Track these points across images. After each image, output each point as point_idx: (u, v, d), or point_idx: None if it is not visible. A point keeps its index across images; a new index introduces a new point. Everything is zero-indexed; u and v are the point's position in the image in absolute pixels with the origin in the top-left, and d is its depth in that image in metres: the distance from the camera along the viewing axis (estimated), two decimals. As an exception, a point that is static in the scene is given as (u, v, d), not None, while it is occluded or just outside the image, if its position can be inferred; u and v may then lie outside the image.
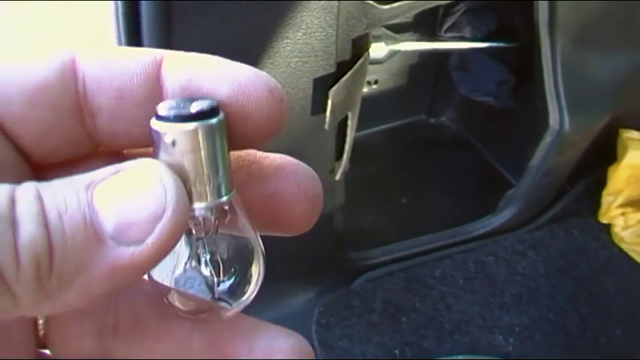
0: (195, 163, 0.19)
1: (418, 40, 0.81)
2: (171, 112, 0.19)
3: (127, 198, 0.18)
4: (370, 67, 0.83)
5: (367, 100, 0.93)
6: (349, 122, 0.58)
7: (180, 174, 0.19)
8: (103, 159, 0.22)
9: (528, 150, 0.81)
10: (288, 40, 0.49)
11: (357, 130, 0.87)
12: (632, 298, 0.82)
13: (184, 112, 0.19)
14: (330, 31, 0.49)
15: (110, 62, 0.21)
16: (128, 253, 0.18)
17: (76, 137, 0.21)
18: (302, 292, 0.82)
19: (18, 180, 0.18)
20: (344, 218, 0.77)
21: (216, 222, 0.21)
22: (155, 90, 0.21)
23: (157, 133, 0.19)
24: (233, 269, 0.22)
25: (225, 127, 0.20)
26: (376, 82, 0.92)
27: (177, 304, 0.21)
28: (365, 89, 0.90)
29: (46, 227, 0.17)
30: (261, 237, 0.24)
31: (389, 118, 1.01)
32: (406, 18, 0.82)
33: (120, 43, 0.50)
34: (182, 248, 0.21)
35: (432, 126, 1.04)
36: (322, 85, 0.52)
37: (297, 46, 0.49)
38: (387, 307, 0.80)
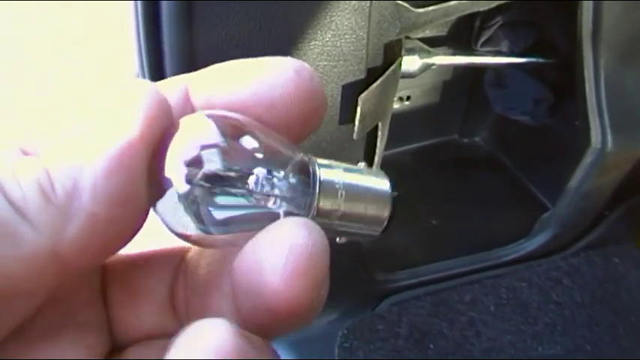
0: None
1: (453, 55, 0.78)
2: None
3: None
4: (402, 83, 0.81)
5: (398, 118, 0.90)
6: (379, 133, 0.55)
7: None
8: None
9: (566, 171, 0.77)
10: (317, 42, 0.46)
11: (386, 148, 0.84)
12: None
13: None
14: (361, 33, 0.47)
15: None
16: (120, 138, 0.18)
17: None
18: (325, 313, 0.79)
19: None
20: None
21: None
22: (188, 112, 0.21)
23: None
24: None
25: None
26: (408, 98, 0.89)
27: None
28: (396, 105, 0.88)
29: None
30: None
31: (420, 136, 0.98)
32: (440, 31, 0.79)
33: (139, 45, 0.48)
34: None
35: (465, 146, 1.00)
36: (351, 92, 0.49)
37: (325, 49, 0.47)
38: (413, 333, 0.76)
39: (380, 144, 0.56)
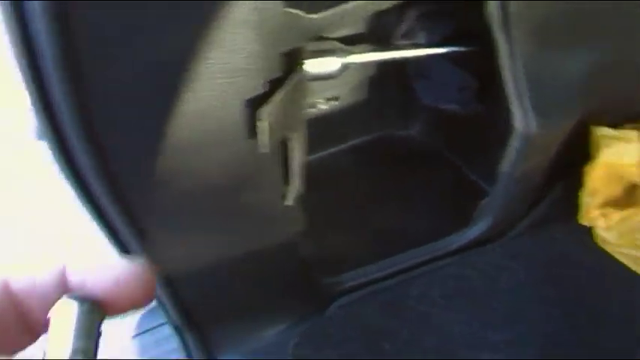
0: None
1: (373, 51, 0.77)
2: None
3: None
4: (327, 83, 0.80)
5: (329, 118, 0.89)
6: (292, 144, 0.54)
7: None
8: None
9: (500, 156, 0.77)
10: (212, 61, 0.45)
11: (322, 149, 0.83)
12: (624, 302, 0.77)
13: None
14: (255, 47, 0.46)
15: None
16: None
17: None
18: (276, 323, 0.78)
19: None
20: (313, 244, 0.73)
21: None
22: None
23: None
24: None
25: None
26: (336, 98, 0.88)
27: None
28: (325, 106, 0.87)
29: None
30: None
31: (354, 134, 0.97)
32: (358, 29, 0.78)
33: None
34: None
35: (401, 140, 0.99)
36: (253, 107, 0.48)
37: (220, 67, 0.45)
38: (365, 333, 0.76)
39: (295, 154, 0.55)
